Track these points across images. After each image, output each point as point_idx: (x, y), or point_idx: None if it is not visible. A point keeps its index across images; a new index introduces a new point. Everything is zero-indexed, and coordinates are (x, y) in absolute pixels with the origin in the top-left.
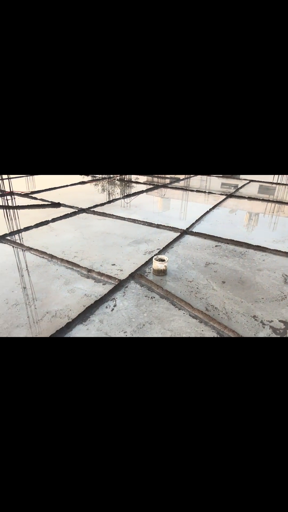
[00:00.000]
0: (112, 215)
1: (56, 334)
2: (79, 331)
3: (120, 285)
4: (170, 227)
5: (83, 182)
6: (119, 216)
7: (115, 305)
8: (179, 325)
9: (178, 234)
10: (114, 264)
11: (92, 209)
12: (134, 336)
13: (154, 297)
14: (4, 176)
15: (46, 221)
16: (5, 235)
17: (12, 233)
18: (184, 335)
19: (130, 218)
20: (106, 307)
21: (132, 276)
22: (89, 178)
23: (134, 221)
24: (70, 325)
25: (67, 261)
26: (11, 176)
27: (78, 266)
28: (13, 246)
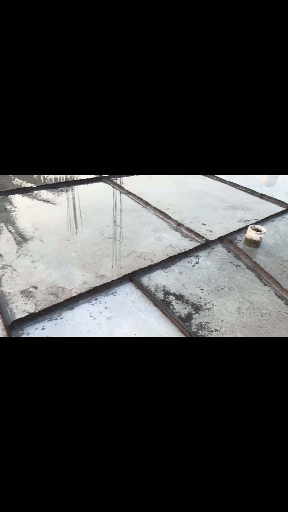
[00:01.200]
0: (213, 175)
1: (138, 272)
2: (159, 276)
3: (206, 245)
4: (275, 199)
5: None
6: (220, 178)
7: (197, 262)
8: (260, 300)
9: (283, 209)
10: (204, 224)
11: None
12: (209, 295)
13: (239, 266)
14: None
15: None
16: (109, 176)
17: (116, 176)
18: (264, 311)
19: (231, 182)
20: (188, 262)
21: (220, 239)
22: None
23: (235, 185)
24: (151, 268)
25: (160, 211)
26: None
27: (169, 217)
28: (114, 187)
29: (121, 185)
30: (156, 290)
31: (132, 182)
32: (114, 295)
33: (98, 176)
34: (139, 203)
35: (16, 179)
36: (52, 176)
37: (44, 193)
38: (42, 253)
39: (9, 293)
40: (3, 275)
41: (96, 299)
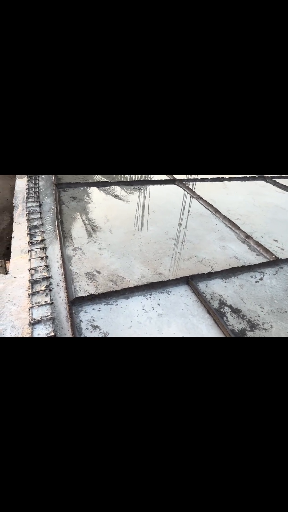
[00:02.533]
0: None
1: (196, 276)
2: (217, 284)
3: (275, 263)
4: None
5: None
6: None
7: (261, 279)
8: None
9: None
10: (276, 240)
11: (273, 179)
12: (269, 315)
13: None
14: None
15: (222, 178)
16: (183, 180)
17: (189, 181)
18: None
19: None
20: (251, 277)
21: None
22: None
23: None
24: (210, 275)
25: (229, 220)
26: None
27: (238, 228)
28: (185, 191)
29: (193, 190)
30: (211, 298)
31: (204, 187)
32: (169, 294)
33: (171, 178)
34: (208, 209)
35: (96, 175)
36: (128, 175)
37: (119, 189)
38: (109, 242)
39: (76, 272)
40: (74, 256)
41: (150, 294)
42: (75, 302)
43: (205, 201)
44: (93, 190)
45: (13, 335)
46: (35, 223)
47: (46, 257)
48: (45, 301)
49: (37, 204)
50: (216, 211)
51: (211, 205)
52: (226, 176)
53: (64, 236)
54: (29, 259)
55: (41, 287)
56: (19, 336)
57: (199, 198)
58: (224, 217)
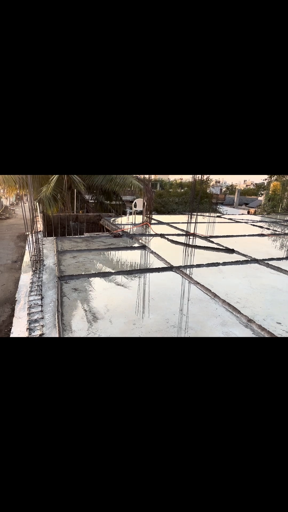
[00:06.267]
0: None
1: None
2: None
3: None
4: None
5: (262, 235)
6: None
7: None
8: None
9: None
10: (279, 323)
11: (266, 262)
12: None
13: None
14: (193, 220)
15: (217, 263)
16: (180, 266)
17: (186, 267)
18: None
19: None
20: None
21: None
22: (269, 232)
23: None
24: None
25: (229, 304)
26: (198, 221)
27: (238, 312)
28: (183, 277)
29: (190, 275)
30: None
31: (200, 272)
32: None
33: (169, 266)
34: (207, 294)
35: (98, 263)
36: (128, 263)
37: (120, 278)
38: (109, 333)
39: None
40: None
41: None
42: None
43: (202, 286)
44: (94, 281)
45: None
46: (35, 316)
47: None
48: None
49: (39, 297)
50: (215, 296)
51: (209, 290)
52: (221, 261)
53: (63, 329)
54: None
55: None
56: None
57: (196, 283)
58: (223, 301)
